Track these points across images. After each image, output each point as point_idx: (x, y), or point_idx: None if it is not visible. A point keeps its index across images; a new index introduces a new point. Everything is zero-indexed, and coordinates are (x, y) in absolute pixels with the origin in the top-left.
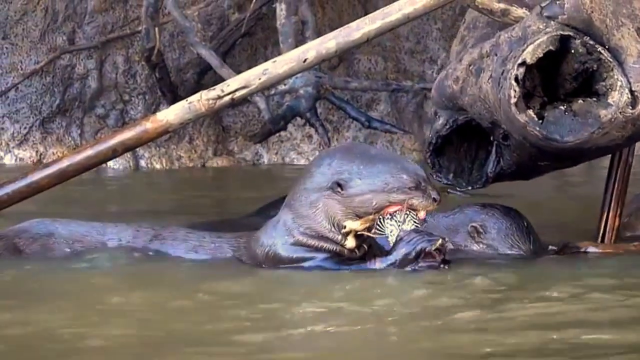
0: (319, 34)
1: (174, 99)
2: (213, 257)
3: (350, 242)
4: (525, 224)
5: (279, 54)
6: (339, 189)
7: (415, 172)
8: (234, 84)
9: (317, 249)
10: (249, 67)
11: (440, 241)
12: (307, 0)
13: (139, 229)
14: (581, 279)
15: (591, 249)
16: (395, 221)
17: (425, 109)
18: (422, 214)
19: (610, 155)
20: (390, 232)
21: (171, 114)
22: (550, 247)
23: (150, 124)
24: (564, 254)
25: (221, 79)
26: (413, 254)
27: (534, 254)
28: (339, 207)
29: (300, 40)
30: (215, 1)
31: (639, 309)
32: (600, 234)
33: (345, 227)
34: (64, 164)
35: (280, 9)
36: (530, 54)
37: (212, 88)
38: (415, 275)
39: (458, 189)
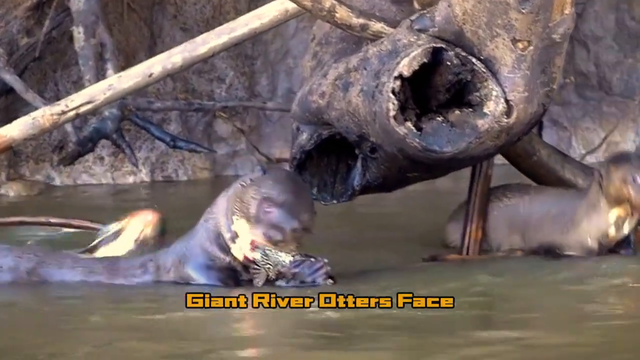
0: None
1: None
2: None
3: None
4: None
5: (70, 77)
6: None
7: None
8: (79, 99)
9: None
10: (39, 91)
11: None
12: (104, 23)
13: (21, 256)
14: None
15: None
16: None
17: (215, 128)
18: None
19: (471, 168)
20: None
21: (14, 130)
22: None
23: None
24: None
25: (18, 102)
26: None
27: None
28: None
29: (99, 62)
30: (3, 26)
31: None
32: (466, 247)
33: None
34: None
35: (78, 32)
36: (406, 66)
37: (56, 103)
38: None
39: (323, 202)
